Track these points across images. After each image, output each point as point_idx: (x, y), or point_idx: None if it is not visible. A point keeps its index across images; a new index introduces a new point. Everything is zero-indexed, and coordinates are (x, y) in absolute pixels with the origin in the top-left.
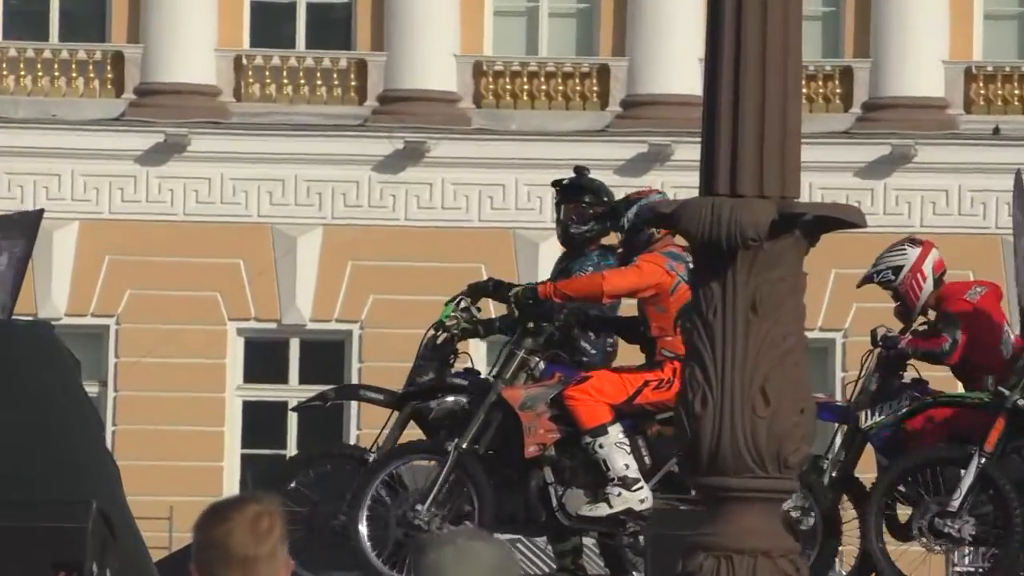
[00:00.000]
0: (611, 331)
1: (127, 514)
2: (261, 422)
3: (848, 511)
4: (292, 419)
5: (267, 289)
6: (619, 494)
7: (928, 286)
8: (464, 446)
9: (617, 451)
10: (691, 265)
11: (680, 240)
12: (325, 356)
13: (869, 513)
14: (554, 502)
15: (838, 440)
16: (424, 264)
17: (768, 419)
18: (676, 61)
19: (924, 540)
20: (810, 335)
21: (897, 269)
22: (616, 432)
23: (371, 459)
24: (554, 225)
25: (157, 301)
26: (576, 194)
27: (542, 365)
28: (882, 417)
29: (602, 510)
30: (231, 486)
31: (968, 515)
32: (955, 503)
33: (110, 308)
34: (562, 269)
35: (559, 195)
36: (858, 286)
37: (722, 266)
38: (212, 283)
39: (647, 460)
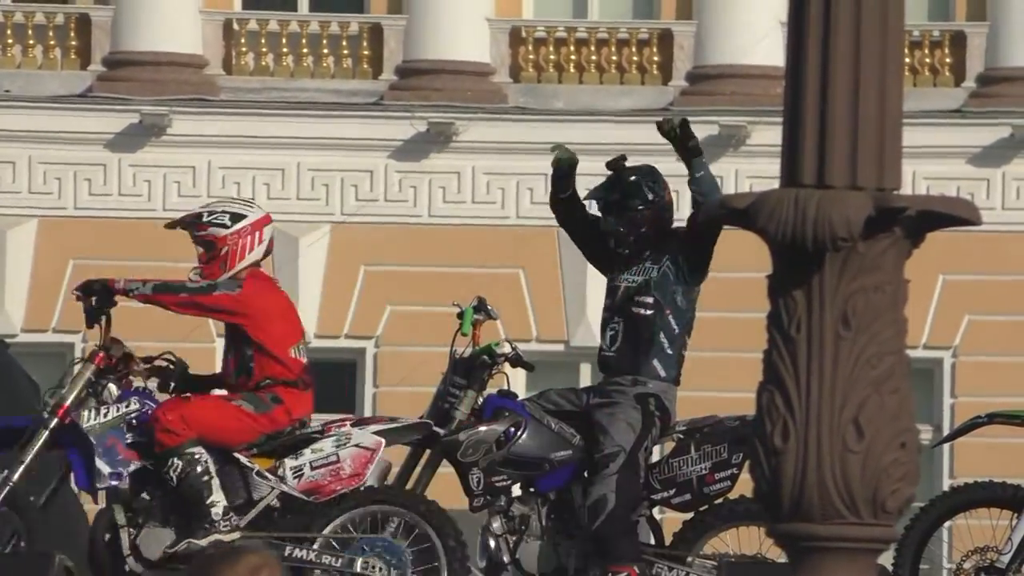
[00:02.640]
0: None
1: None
2: None
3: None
4: None
5: None
6: None
7: None
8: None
9: None
10: None
11: None
12: (333, 379)
13: (902, 565)
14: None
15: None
16: (451, 269)
17: (862, 455)
18: (753, 25)
19: None
20: (913, 354)
21: None
22: None
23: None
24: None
25: (130, 315)
26: (629, 198)
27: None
28: None
29: None
30: None
31: (1020, 571)
32: (1005, 557)
33: (75, 323)
34: (646, 255)
35: (604, 203)
36: None
37: (807, 271)
38: None
39: None
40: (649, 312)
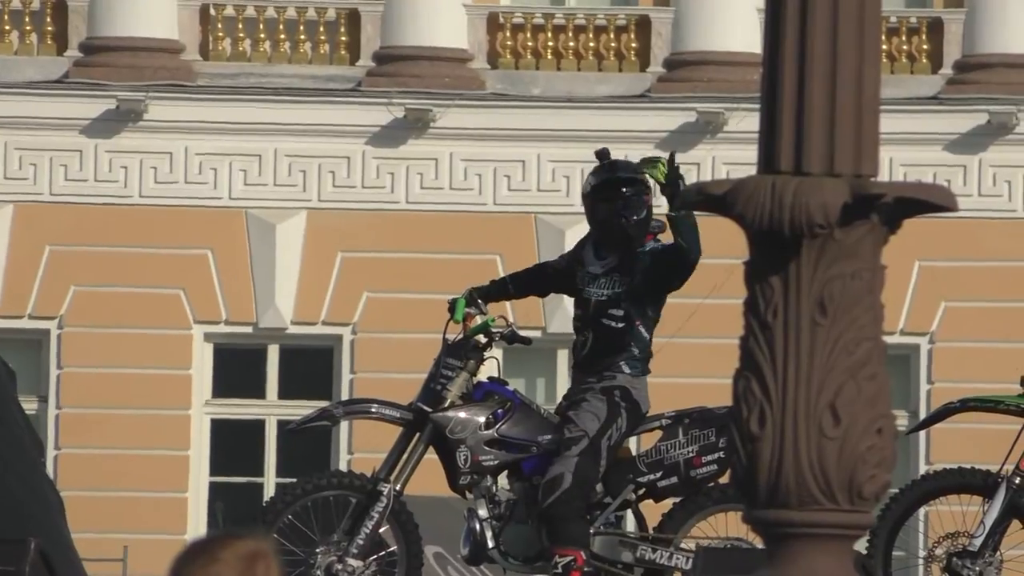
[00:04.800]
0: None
1: (72, 555)
2: (233, 444)
3: None
4: (270, 441)
5: (241, 286)
6: None
7: None
8: (399, 488)
9: None
10: None
11: None
12: (310, 366)
13: (875, 553)
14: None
15: None
16: (428, 255)
17: (838, 441)
18: (730, 12)
19: None
20: (889, 340)
21: None
22: None
23: (387, 491)
24: (582, 210)
25: (108, 300)
26: (630, 183)
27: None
28: None
29: None
30: (198, 521)
31: (993, 555)
32: (977, 541)
33: (51, 309)
34: (614, 268)
35: (604, 188)
36: None
37: (784, 258)
38: (174, 279)
39: None
40: (620, 325)
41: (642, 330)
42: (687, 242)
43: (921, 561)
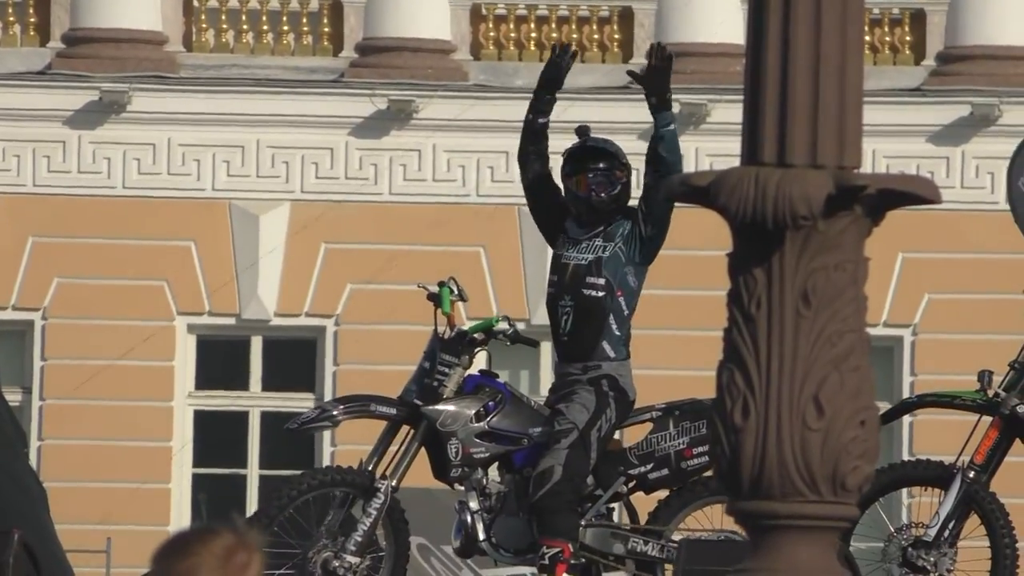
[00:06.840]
0: None
1: (55, 546)
2: (217, 436)
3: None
4: (254, 433)
5: (224, 277)
6: None
7: None
8: (395, 484)
9: None
10: None
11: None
12: (293, 357)
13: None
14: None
15: None
16: (412, 247)
17: (822, 432)
18: (713, 3)
19: None
20: (873, 332)
21: None
22: None
23: (384, 487)
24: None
25: (91, 291)
26: (603, 158)
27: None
28: None
29: None
30: (181, 513)
31: (949, 546)
32: (932, 531)
33: (35, 300)
34: (598, 234)
35: (577, 161)
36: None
37: (767, 249)
38: (158, 270)
39: None
40: (600, 294)
41: (622, 301)
42: (672, 157)
43: (882, 548)
